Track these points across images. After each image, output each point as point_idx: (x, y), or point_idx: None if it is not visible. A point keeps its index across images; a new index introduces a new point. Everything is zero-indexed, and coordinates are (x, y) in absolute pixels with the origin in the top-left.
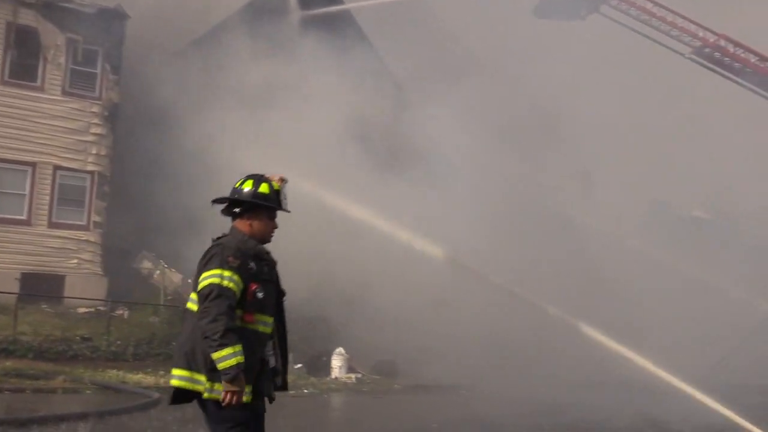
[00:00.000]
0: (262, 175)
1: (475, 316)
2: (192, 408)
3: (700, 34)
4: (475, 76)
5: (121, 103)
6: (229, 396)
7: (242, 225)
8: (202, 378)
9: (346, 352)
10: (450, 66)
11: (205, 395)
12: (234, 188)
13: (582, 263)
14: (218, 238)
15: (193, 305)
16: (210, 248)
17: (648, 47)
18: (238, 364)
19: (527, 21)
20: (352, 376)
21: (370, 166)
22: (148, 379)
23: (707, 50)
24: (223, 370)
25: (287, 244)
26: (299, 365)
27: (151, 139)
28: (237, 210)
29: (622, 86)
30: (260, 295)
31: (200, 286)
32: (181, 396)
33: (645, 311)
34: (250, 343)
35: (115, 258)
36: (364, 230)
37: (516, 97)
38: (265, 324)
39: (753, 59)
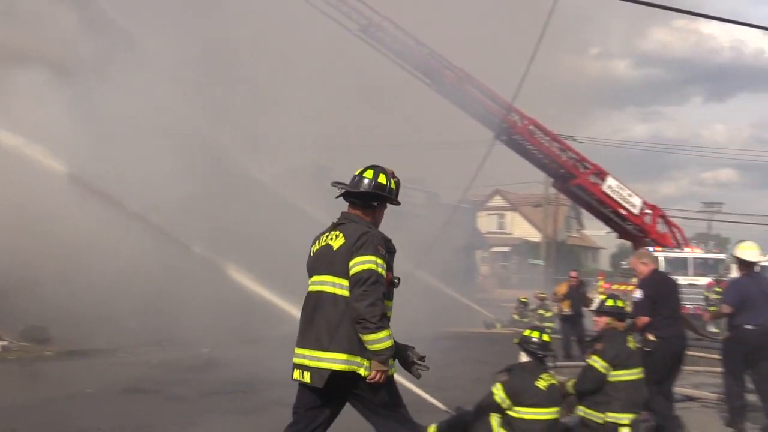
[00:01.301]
0: (384, 169)
1: (136, 270)
2: None
3: (367, 13)
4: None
5: None
6: (378, 375)
7: (367, 215)
8: (359, 359)
9: None
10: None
11: (363, 372)
12: (368, 180)
13: (252, 221)
14: (340, 224)
15: (337, 289)
16: (360, 235)
17: (320, 19)
18: (390, 347)
19: None
20: None
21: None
22: None
23: (372, 29)
24: (377, 351)
25: None
26: None
27: None
28: (375, 203)
29: (296, 53)
30: (396, 282)
31: (356, 269)
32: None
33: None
34: None
35: None
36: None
37: (197, 48)
38: (390, 309)
39: (411, 43)
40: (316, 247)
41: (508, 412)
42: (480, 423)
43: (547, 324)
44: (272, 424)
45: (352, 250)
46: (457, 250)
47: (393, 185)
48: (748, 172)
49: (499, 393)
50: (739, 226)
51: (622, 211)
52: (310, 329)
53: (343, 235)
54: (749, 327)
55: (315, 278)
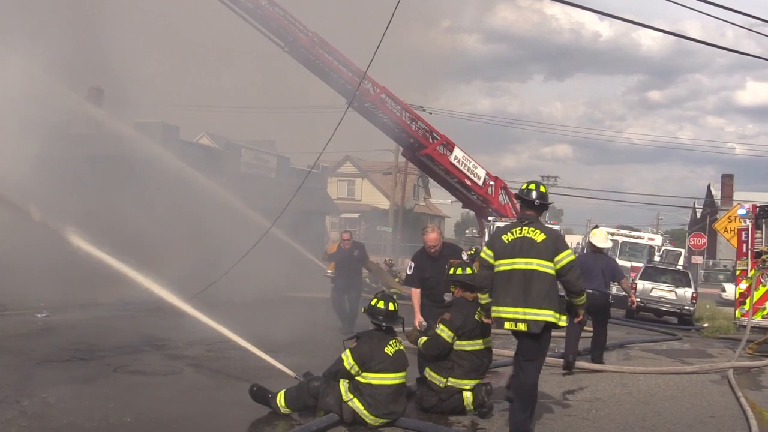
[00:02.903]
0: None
1: None
2: None
3: None
4: None
5: None
6: (582, 317)
7: (539, 215)
8: (558, 315)
9: None
10: None
11: (561, 324)
12: (543, 193)
13: (96, 184)
14: (530, 223)
15: (544, 268)
16: (558, 235)
17: None
18: (585, 302)
19: None
20: None
21: None
22: None
23: None
24: (582, 304)
25: None
26: None
27: None
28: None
29: (146, 10)
30: None
31: (567, 260)
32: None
33: (158, 235)
34: None
35: None
36: None
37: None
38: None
39: (264, 2)
40: (510, 237)
41: (357, 378)
42: (329, 389)
43: (394, 290)
44: (113, 392)
45: (557, 245)
46: (307, 216)
47: (544, 190)
48: (581, 149)
49: (348, 359)
50: (573, 198)
51: (467, 182)
52: (526, 295)
53: (541, 232)
54: (588, 291)
55: (520, 259)
